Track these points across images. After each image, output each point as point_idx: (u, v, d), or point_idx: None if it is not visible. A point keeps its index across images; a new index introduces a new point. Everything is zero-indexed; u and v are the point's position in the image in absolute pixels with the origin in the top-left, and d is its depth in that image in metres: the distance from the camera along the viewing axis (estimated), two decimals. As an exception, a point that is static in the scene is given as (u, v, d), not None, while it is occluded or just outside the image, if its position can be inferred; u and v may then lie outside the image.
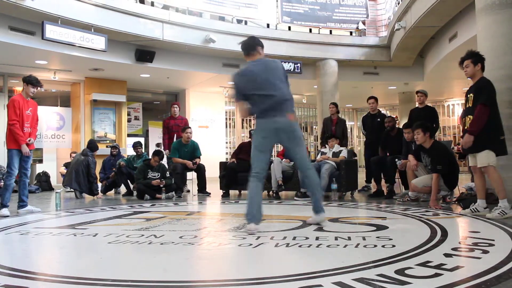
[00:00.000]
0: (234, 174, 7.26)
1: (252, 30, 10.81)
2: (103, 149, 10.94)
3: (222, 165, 7.55)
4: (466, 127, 4.19)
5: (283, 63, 10.73)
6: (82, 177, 7.28)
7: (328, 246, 2.94)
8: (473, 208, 4.20)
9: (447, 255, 2.60)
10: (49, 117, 11.01)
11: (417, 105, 6.83)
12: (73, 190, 7.46)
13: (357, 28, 12.10)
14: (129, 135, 12.01)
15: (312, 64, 11.60)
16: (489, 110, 4.00)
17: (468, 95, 4.23)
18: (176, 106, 8.28)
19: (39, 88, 5.50)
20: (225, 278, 2.34)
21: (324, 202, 5.72)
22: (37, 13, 7.55)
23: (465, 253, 2.69)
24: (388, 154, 6.62)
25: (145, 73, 10.78)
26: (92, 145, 7.75)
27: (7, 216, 4.91)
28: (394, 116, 8.28)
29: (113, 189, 8.24)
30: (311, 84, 12.29)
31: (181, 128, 8.01)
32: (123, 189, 7.99)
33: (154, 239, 3.28)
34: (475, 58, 4.20)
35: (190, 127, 7.60)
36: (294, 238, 3.22)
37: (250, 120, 15.40)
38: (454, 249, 2.77)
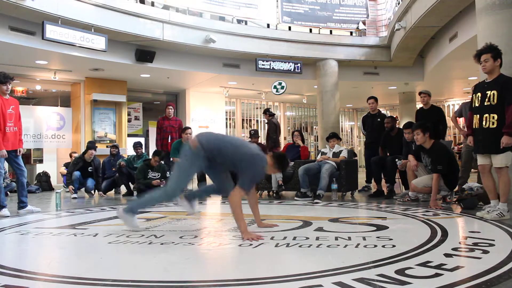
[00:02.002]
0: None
1: (252, 30, 10.82)
2: (104, 149, 10.96)
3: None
4: (487, 126, 3.92)
5: (283, 63, 10.82)
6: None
7: (328, 246, 2.94)
8: (498, 213, 3.92)
9: (447, 255, 2.60)
10: (49, 117, 11.01)
11: (421, 106, 6.73)
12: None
13: (357, 28, 12.09)
14: (129, 135, 12.00)
15: (312, 64, 11.60)
16: None
17: (488, 92, 3.92)
18: (171, 107, 8.23)
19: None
20: (225, 278, 2.33)
21: (325, 202, 5.75)
22: (37, 13, 7.55)
23: (465, 253, 2.69)
24: (388, 154, 6.62)
25: (145, 73, 10.78)
26: (89, 145, 7.97)
27: (8, 216, 4.91)
28: (394, 116, 8.27)
29: (114, 189, 8.25)
30: (311, 84, 12.29)
31: (175, 129, 8.00)
32: (123, 189, 8.00)
33: (154, 239, 3.29)
34: (495, 52, 3.94)
35: (190, 127, 7.60)
36: (294, 238, 3.22)
37: (250, 120, 15.43)
38: (454, 249, 2.77)
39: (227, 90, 12.99)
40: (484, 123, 3.95)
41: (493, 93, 3.88)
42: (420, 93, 6.57)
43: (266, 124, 9.48)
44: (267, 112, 9.08)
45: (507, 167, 3.91)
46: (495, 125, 3.87)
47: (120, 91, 11.45)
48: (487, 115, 3.93)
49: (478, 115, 4.03)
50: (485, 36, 5.54)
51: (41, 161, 11.97)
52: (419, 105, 14.82)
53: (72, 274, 2.41)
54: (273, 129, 8.76)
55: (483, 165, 4.10)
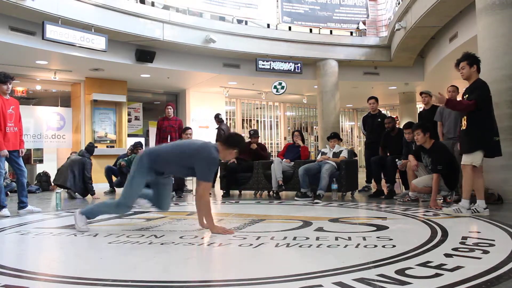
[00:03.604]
0: (235, 174, 7.27)
1: (253, 30, 10.82)
2: (104, 149, 10.97)
3: (223, 165, 7.54)
4: (462, 128, 4.24)
5: (283, 63, 10.82)
6: (77, 177, 7.36)
7: (328, 246, 2.94)
8: (473, 209, 4.20)
9: (447, 255, 2.60)
10: (49, 117, 11.00)
11: (423, 107, 6.77)
12: (66, 190, 7.48)
13: (358, 28, 12.09)
14: (129, 135, 12.00)
15: (312, 64, 11.60)
16: (474, 108, 4.06)
17: (464, 96, 4.28)
18: (170, 107, 8.21)
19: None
20: (225, 278, 2.34)
21: (325, 202, 5.75)
22: (38, 13, 7.56)
23: (465, 253, 2.69)
24: (388, 154, 6.62)
25: (145, 73, 10.79)
26: (91, 148, 7.93)
27: (8, 216, 4.91)
28: (393, 117, 8.25)
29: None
30: (312, 84, 12.30)
31: (175, 129, 7.99)
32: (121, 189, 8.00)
33: (154, 239, 3.28)
34: (470, 59, 4.22)
35: (190, 128, 7.60)
36: (294, 238, 3.22)
37: (250, 120, 15.43)
38: (455, 249, 2.76)
39: (227, 90, 12.99)
40: (461, 125, 4.28)
41: (466, 97, 4.23)
42: (421, 94, 6.61)
43: (216, 129, 9.64)
44: (217, 118, 9.29)
45: (473, 165, 4.07)
46: (465, 127, 4.18)
47: (120, 91, 11.45)
48: (462, 118, 4.25)
49: (461, 119, 4.35)
50: (485, 36, 5.55)
51: (41, 161, 11.99)
52: (419, 105, 14.92)
53: (72, 274, 2.41)
54: (220, 135, 8.90)
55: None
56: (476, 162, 4.07)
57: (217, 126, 9.58)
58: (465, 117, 4.18)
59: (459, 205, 4.16)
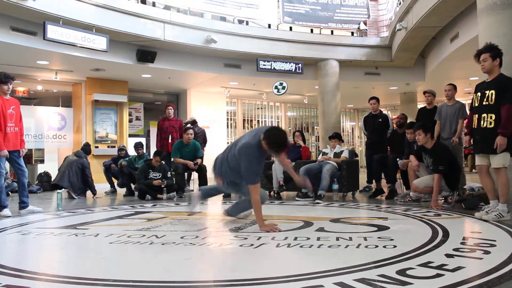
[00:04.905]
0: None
1: (253, 31, 10.82)
2: (105, 149, 10.97)
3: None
4: (485, 126, 3.91)
5: (284, 63, 10.81)
6: (75, 177, 7.38)
7: (329, 246, 2.94)
8: (497, 214, 3.87)
9: (448, 255, 2.60)
10: (50, 117, 11.01)
11: (425, 106, 6.77)
12: (65, 189, 7.47)
13: (359, 28, 12.08)
14: (130, 136, 12.00)
15: (313, 65, 11.59)
16: None
17: (487, 92, 3.91)
18: (170, 107, 8.21)
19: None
20: (226, 279, 2.34)
21: (326, 203, 5.75)
22: (39, 14, 7.56)
23: (466, 253, 2.68)
24: (392, 151, 6.62)
25: (146, 74, 10.79)
26: (87, 148, 7.99)
27: (9, 216, 4.91)
28: (404, 114, 8.13)
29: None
30: (312, 84, 12.29)
31: (175, 129, 8.00)
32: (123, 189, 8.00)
33: (155, 239, 3.29)
34: (494, 52, 3.94)
35: (191, 128, 7.60)
36: (295, 239, 3.22)
37: (251, 121, 15.43)
38: (456, 249, 2.76)
39: (228, 91, 12.99)
40: (482, 123, 3.95)
41: (492, 93, 3.88)
42: (424, 93, 6.60)
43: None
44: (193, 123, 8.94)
45: (505, 167, 3.88)
46: (492, 125, 3.86)
47: (121, 91, 11.45)
48: (485, 114, 3.92)
49: (477, 115, 4.03)
50: (486, 36, 5.53)
51: (42, 161, 11.98)
52: (420, 105, 14.88)
53: (73, 274, 2.42)
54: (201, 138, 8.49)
55: (480, 166, 4.08)
56: (507, 164, 3.85)
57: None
58: (492, 115, 3.85)
59: (499, 210, 3.85)
